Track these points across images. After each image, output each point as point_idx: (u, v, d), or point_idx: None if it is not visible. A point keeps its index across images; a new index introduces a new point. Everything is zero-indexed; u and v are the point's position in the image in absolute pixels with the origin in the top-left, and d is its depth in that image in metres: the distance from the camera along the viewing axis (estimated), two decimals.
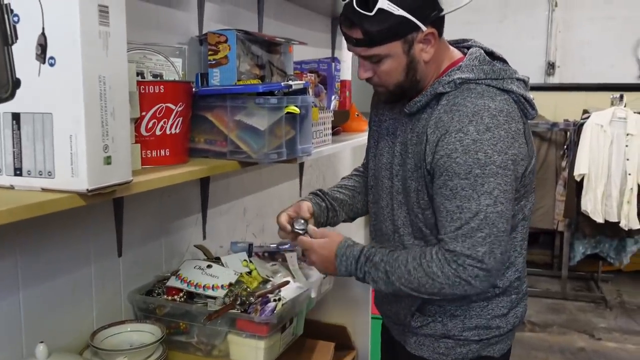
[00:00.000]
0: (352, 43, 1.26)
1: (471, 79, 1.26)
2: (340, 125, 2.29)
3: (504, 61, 1.35)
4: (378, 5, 1.17)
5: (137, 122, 1.25)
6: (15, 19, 0.94)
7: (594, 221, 3.94)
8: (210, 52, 1.68)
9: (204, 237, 1.89)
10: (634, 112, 3.93)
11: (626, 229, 3.90)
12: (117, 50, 0.97)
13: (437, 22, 1.25)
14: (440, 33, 1.28)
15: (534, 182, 1.36)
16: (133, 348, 1.35)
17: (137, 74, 1.36)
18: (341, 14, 1.26)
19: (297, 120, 1.50)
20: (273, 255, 1.81)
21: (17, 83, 0.95)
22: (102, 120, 0.95)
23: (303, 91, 1.52)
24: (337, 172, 3.08)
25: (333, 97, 2.32)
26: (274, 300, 1.48)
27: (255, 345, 1.44)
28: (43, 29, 0.92)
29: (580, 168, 3.93)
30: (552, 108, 4.62)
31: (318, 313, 2.07)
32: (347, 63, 2.97)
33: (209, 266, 1.58)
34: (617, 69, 4.72)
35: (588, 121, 3.97)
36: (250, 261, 1.64)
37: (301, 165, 2.59)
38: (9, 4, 0.94)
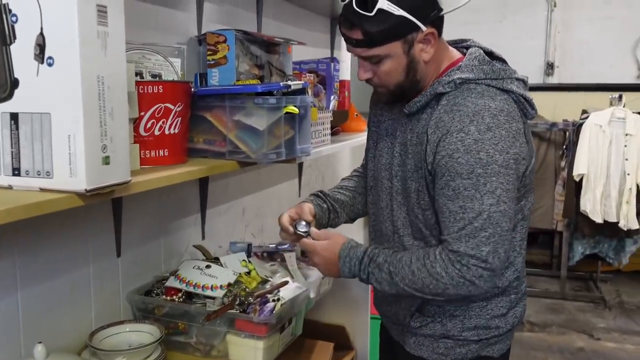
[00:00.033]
0: (352, 44, 1.25)
1: (471, 79, 1.26)
2: (339, 125, 2.29)
3: (503, 61, 1.35)
4: (378, 6, 1.17)
5: (135, 122, 1.25)
6: (14, 18, 0.94)
7: (593, 221, 3.95)
8: (209, 52, 1.68)
9: (203, 237, 1.89)
10: (633, 112, 3.93)
11: (625, 229, 3.91)
12: (115, 50, 0.97)
13: (437, 22, 1.25)
14: (440, 33, 1.28)
15: (533, 182, 1.36)
16: (132, 348, 1.35)
17: (136, 74, 1.36)
18: (340, 15, 1.26)
19: (296, 120, 1.50)
20: (272, 256, 1.81)
21: (15, 83, 0.95)
22: (101, 120, 0.95)
23: (302, 91, 1.52)
24: (336, 172, 3.08)
25: (332, 97, 2.32)
26: (273, 301, 1.48)
27: (254, 346, 1.44)
28: (41, 29, 0.92)
29: (579, 168, 3.93)
30: (551, 108, 4.62)
31: (317, 313, 2.07)
32: (346, 63, 2.97)
33: (208, 266, 1.58)
34: (616, 69, 4.72)
35: (587, 121, 3.97)
36: (249, 261, 1.64)
37: (300, 165, 2.59)
38: (7, 3, 0.94)
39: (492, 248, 1.19)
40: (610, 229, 3.98)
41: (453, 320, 1.37)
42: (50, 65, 0.92)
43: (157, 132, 1.28)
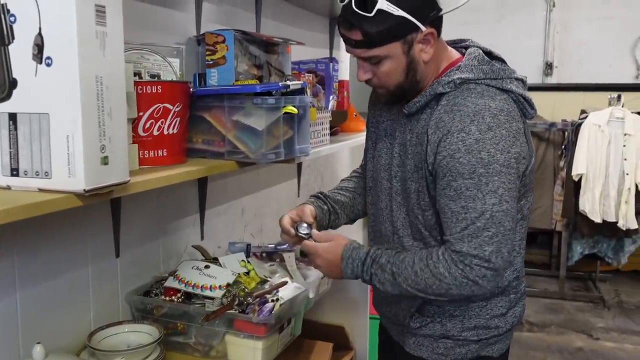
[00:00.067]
0: (351, 45, 1.25)
1: (471, 79, 1.26)
2: (338, 126, 2.29)
3: (502, 61, 1.35)
4: (377, 6, 1.17)
5: (134, 122, 1.25)
6: (12, 19, 0.93)
7: (592, 221, 3.95)
8: (208, 52, 1.68)
9: (202, 238, 1.89)
10: (632, 112, 3.94)
11: (624, 228, 3.91)
12: (114, 51, 0.97)
13: (436, 22, 1.25)
14: (439, 33, 1.28)
15: (532, 182, 1.36)
16: (130, 349, 1.34)
17: (135, 74, 1.35)
18: (339, 16, 1.25)
19: (295, 120, 1.50)
20: (271, 256, 1.81)
21: (13, 83, 0.95)
22: (99, 120, 0.95)
23: (301, 91, 1.52)
24: (335, 172, 3.08)
25: (331, 97, 2.32)
26: (272, 301, 1.48)
27: (253, 346, 1.44)
28: (40, 29, 0.92)
29: (578, 168, 3.93)
30: (550, 108, 4.63)
31: (316, 313, 2.07)
32: (345, 63, 2.97)
33: (207, 267, 1.57)
34: (614, 69, 4.72)
35: (586, 121, 3.98)
36: (248, 261, 1.64)
37: (299, 165, 2.58)
38: (6, 4, 0.93)
39: (495, 248, 1.19)
40: (609, 229, 3.99)
41: (453, 321, 1.37)
42: (48, 65, 0.92)
43: (155, 132, 1.28)
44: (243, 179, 2.13)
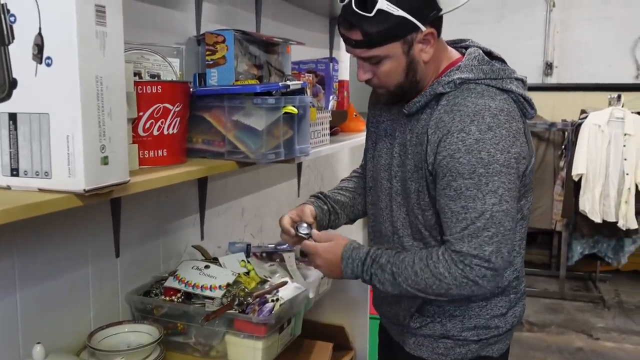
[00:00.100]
0: (351, 45, 1.25)
1: (471, 79, 1.26)
2: (338, 126, 2.29)
3: (502, 61, 1.35)
4: (377, 6, 1.17)
5: (134, 122, 1.25)
6: (12, 19, 0.93)
7: (592, 221, 3.95)
8: (207, 52, 1.68)
9: (202, 238, 1.89)
10: (632, 112, 3.94)
11: (624, 228, 3.91)
12: (114, 51, 0.97)
13: (436, 22, 1.25)
14: (439, 33, 1.28)
15: (532, 182, 1.36)
16: (130, 349, 1.34)
17: (135, 74, 1.35)
18: (339, 16, 1.25)
19: (295, 120, 1.50)
20: (271, 256, 1.81)
21: (13, 83, 0.95)
22: (99, 120, 0.95)
23: (301, 91, 1.52)
24: (335, 172, 3.08)
25: (331, 97, 2.32)
26: (272, 301, 1.48)
27: (253, 346, 1.44)
28: (40, 29, 0.92)
29: (578, 168, 3.93)
30: (550, 108, 4.63)
31: (316, 313, 2.07)
32: (345, 63, 2.97)
33: (207, 267, 1.57)
34: (614, 69, 4.72)
35: (586, 121, 3.98)
36: (248, 261, 1.64)
37: (299, 165, 2.58)
38: (6, 4, 0.93)
39: (495, 248, 1.19)
40: (609, 229, 3.99)
41: (453, 321, 1.37)
42: (48, 65, 0.92)
43: (155, 132, 1.28)
44: (243, 179, 2.13)
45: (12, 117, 0.96)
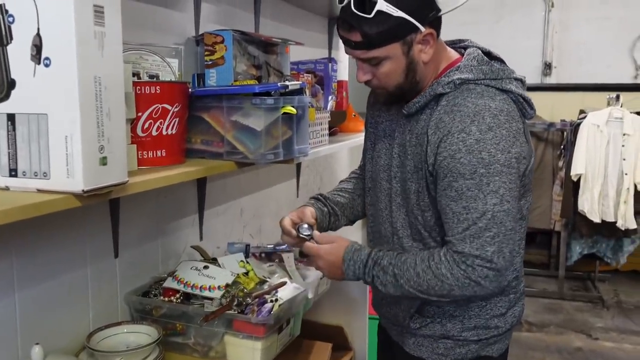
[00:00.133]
0: (351, 46, 1.25)
1: (470, 79, 1.26)
2: (337, 126, 2.29)
3: (501, 61, 1.35)
4: (377, 7, 1.17)
5: (133, 122, 1.25)
6: (10, 19, 0.93)
7: (591, 221, 3.95)
8: (206, 53, 1.68)
9: (201, 238, 1.89)
10: (631, 112, 3.94)
11: (623, 228, 3.91)
12: (112, 51, 0.96)
13: (435, 23, 1.25)
14: (438, 33, 1.28)
15: (532, 182, 1.36)
16: (129, 349, 1.34)
17: (133, 75, 1.35)
18: (338, 17, 1.25)
19: (293, 120, 1.50)
20: (270, 256, 1.81)
21: (12, 84, 0.95)
22: (98, 120, 0.95)
23: (300, 91, 1.52)
24: (334, 173, 3.08)
25: (330, 97, 2.31)
26: (271, 301, 1.47)
27: (252, 346, 1.44)
28: (38, 29, 0.91)
29: (577, 168, 3.94)
30: (549, 108, 4.63)
31: (315, 314, 2.07)
32: (344, 63, 2.97)
33: (206, 267, 1.57)
34: (613, 69, 4.73)
35: (585, 121, 3.98)
36: (247, 262, 1.64)
37: (298, 165, 2.58)
38: (4, 4, 0.93)
39: (497, 248, 1.19)
40: (608, 229, 3.99)
41: (453, 321, 1.37)
42: (47, 65, 0.92)
43: (154, 133, 1.28)
44: (242, 180, 2.13)
45: (11, 117, 0.96)
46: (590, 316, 4.06)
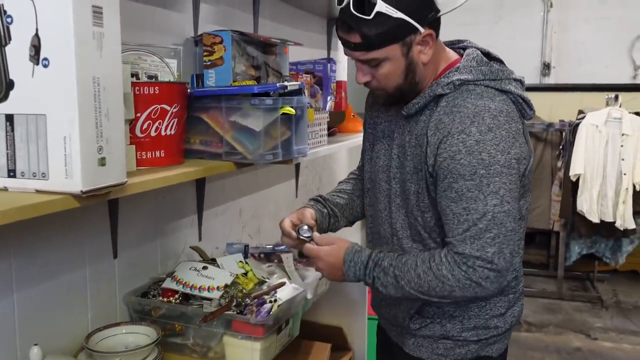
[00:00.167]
0: (350, 47, 1.25)
1: (470, 80, 1.26)
2: (336, 126, 2.29)
3: (500, 62, 1.35)
4: (376, 9, 1.16)
5: (132, 123, 1.25)
6: (9, 20, 0.93)
7: (590, 221, 3.96)
8: (205, 53, 1.68)
9: (200, 239, 1.89)
10: (629, 113, 3.95)
11: (622, 228, 3.92)
12: (111, 51, 0.96)
13: (434, 24, 1.25)
14: (438, 34, 1.28)
15: (531, 182, 1.36)
16: (128, 350, 1.34)
17: (132, 75, 1.35)
18: (337, 19, 1.25)
19: (292, 121, 1.50)
20: (269, 257, 1.81)
21: (10, 84, 0.95)
22: (97, 121, 0.94)
23: (298, 92, 1.52)
24: (333, 173, 3.08)
25: (329, 97, 2.32)
26: (270, 302, 1.47)
27: (251, 347, 1.44)
28: (37, 30, 0.91)
29: (576, 168, 3.94)
30: (547, 108, 4.63)
31: (314, 314, 2.07)
32: (342, 64, 2.98)
33: (205, 267, 1.57)
34: (612, 70, 4.73)
35: (583, 121, 3.98)
36: (246, 262, 1.64)
37: (297, 166, 2.58)
38: (2, 5, 0.93)
39: (498, 249, 1.19)
40: (606, 229, 3.99)
41: (452, 321, 1.37)
42: (45, 66, 0.92)
43: (153, 133, 1.28)
44: (241, 180, 2.13)
45: (9, 118, 0.96)
46: (589, 316, 4.06)
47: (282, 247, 1.76)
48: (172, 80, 1.49)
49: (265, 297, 1.50)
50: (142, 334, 1.41)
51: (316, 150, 1.83)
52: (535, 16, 4.90)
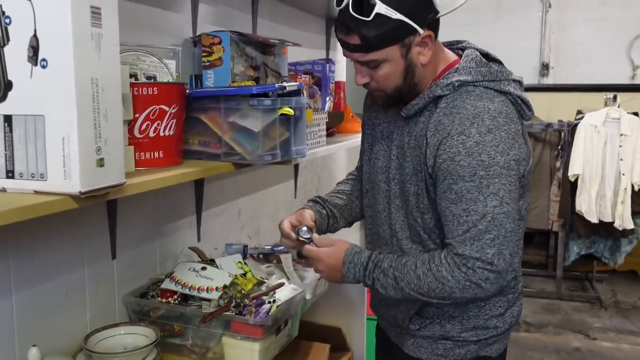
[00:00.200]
0: (349, 49, 1.25)
1: (469, 81, 1.26)
2: (334, 127, 2.29)
3: (499, 62, 1.35)
4: (375, 10, 1.16)
5: (130, 124, 1.25)
6: (7, 20, 0.93)
7: (589, 221, 3.96)
8: (204, 54, 1.68)
9: (199, 239, 1.88)
10: (628, 113, 3.95)
11: (620, 229, 3.92)
12: (109, 52, 0.96)
13: (433, 25, 1.25)
14: (437, 35, 1.28)
15: (530, 183, 1.36)
16: (127, 351, 1.34)
17: (131, 76, 1.35)
18: (336, 20, 1.25)
19: (291, 121, 1.50)
20: (268, 257, 1.81)
21: (9, 85, 0.95)
22: (95, 122, 0.94)
23: (297, 92, 1.52)
24: (332, 174, 3.08)
25: (327, 98, 2.32)
26: (269, 302, 1.47)
27: (250, 348, 1.44)
28: (35, 30, 0.91)
29: (575, 168, 3.94)
30: (546, 109, 4.64)
31: (313, 315, 2.07)
32: (341, 64, 2.97)
33: (204, 268, 1.57)
34: (610, 70, 4.73)
35: (582, 122, 3.99)
36: (245, 263, 1.64)
37: (296, 166, 2.58)
38: (1, 5, 0.93)
39: (497, 250, 1.19)
40: (605, 229, 4.00)
41: (452, 322, 1.37)
42: (44, 67, 0.92)
43: (152, 134, 1.28)
44: (239, 181, 2.13)
45: (7, 119, 0.96)
46: (588, 316, 4.06)
47: (281, 247, 1.76)
48: (170, 80, 1.49)
49: (264, 297, 1.50)
50: (140, 335, 1.40)
51: (315, 151, 1.83)
52: (534, 16, 4.90)
